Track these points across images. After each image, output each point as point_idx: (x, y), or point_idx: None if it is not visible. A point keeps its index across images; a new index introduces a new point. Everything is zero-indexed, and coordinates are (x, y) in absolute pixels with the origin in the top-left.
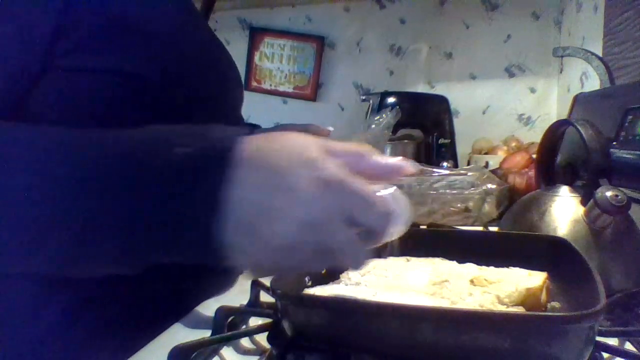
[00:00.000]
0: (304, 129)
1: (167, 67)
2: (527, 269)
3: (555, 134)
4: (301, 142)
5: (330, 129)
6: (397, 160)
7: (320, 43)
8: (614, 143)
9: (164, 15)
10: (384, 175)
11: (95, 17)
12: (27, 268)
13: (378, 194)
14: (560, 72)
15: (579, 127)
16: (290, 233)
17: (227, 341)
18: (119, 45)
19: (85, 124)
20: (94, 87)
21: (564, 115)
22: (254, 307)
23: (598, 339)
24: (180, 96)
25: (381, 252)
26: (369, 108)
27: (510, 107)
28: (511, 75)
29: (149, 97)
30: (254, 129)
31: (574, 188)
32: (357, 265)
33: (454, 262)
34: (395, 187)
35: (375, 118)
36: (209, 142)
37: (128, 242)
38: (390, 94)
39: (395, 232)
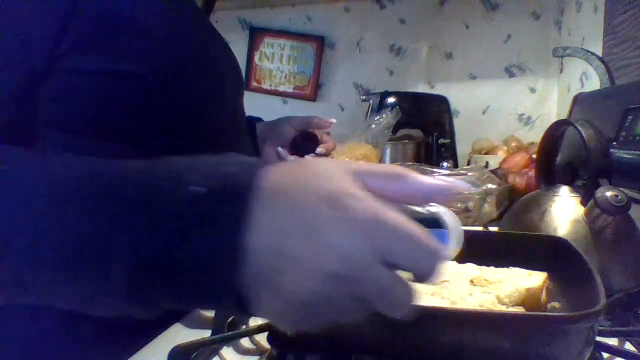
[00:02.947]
0: (306, 120)
1: (164, 66)
2: (527, 269)
3: (555, 134)
4: (325, 173)
5: (333, 120)
6: (443, 180)
7: (320, 43)
8: (614, 143)
9: (161, 14)
10: (429, 199)
11: (93, 18)
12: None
13: (420, 209)
14: (560, 72)
15: (579, 127)
16: (317, 286)
17: (227, 341)
18: (116, 45)
19: (83, 126)
20: (91, 88)
21: (564, 115)
22: None
23: (598, 339)
24: (178, 94)
25: None
26: (369, 108)
27: (510, 107)
28: (511, 75)
29: (146, 96)
30: (256, 122)
31: (574, 188)
32: (402, 312)
33: (454, 262)
34: (440, 206)
35: (375, 118)
36: (222, 179)
37: (136, 286)
38: (390, 94)
39: (448, 254)
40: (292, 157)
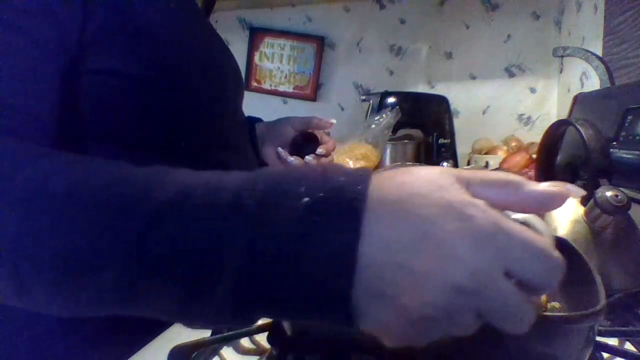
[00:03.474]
0: (306, 121)
1: (168, 67)
2: None
3: (555, 134)
4: (438, 182)
5: (333, 121)
6: (556, 186)
7: (320, 43)
8: (614, 143)
9: (165, 16)
10: (543, 207)
11: (103, 19)
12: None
13: (515, 217)
14: (560, 72)
15: (579, 127)
16: (439, 300)
17: (227, 341)
18: (123, 47)
19: (87, 127)
20: (97, 89)
21: (564, 115)
22: None
23: (598, 339)
24: (181, 95)
25: None
26: (369, 108)
27: (510, 107)
28: (511, 75)
29: (148, 97)
30: (255, 122)
31: None
32: (523, 328)
33: None
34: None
35: (375, 118)
36: (331, 190)
37: (244, 299)
38: (390, 94)
39: None
40: (292, 158)
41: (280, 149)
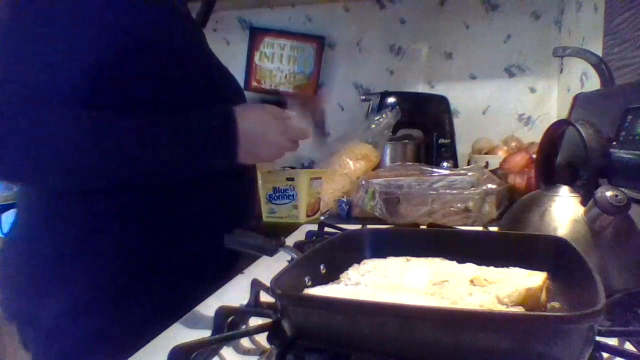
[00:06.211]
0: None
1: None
2: (527, 269)
3: (555, 134)
4: (259, 109)
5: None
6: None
7: (320, 43)
8: (614, 143)
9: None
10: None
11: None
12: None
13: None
14: (560, 72)
15: (579, 127)
16: (272, 151)
17: (227, 341)
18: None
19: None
20: None
21: (564, 115)
22: (254, 307)
23: (598, 339)
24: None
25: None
26: (369, 108)
27: (510, 107)
28: (511, 75)
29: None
30: None
31: (574, 188)
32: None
33: (454, 262)
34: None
35: (375, 118)
36: (221, 114)
37: (208, 155)
38: (390, 94)
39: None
40: None
41: None
